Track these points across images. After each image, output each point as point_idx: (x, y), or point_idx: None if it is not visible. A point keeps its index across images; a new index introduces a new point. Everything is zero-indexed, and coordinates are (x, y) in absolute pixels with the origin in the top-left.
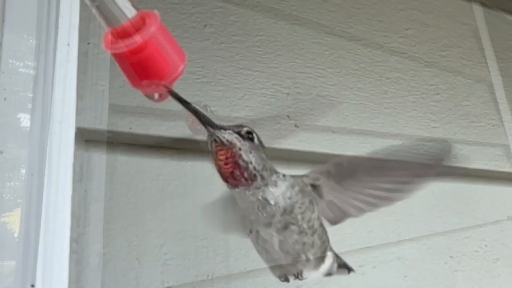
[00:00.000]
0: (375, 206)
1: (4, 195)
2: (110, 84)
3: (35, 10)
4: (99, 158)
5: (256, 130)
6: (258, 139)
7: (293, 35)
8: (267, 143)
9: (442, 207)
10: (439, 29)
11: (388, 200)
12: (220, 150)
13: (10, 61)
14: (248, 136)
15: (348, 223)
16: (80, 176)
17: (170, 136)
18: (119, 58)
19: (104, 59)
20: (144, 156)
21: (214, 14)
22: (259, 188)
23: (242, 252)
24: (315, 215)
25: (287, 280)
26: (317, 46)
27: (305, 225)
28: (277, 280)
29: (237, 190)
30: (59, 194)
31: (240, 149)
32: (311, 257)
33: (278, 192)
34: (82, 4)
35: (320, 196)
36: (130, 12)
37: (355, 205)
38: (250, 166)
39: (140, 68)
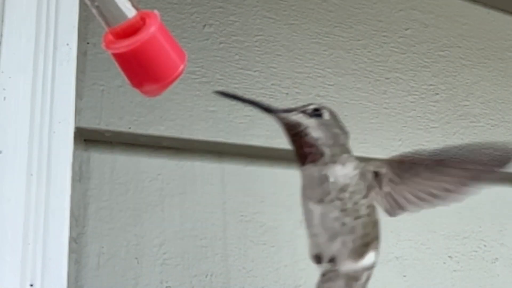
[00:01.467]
0: (430, 203)
1: (3, 195)
2: (110, 84)
3: (34, 10)
4: (98, 157)
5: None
6: (330, 114)
7: (292, 35)
8: (266, 143)
9: (441, 207)
10: (438, 29)
11: (443, 200)
12: (289, 130)
13: (10, 60)
14: (316, 113)
15: None
16: (79, 176)
17: (169, 136)
18: (119, 58)
19: (103, 59)
20: (143, 156)
21: (214, 14)
22: (326, 164)
23: (241, 251)
24: (365, 201)
25: (319, 262)
26: (316, 46)
27: (350, 205)
28: (276, 280)
29: (304, 167)
30: (58, 194)
31: (307, 127)
32: (349, 244)
33: (342, 172)
34: (82, 4)
35: (380, 186)
36: (130, 12)
37: (411, 200)
38: (318, 143)
39: (140, 68)
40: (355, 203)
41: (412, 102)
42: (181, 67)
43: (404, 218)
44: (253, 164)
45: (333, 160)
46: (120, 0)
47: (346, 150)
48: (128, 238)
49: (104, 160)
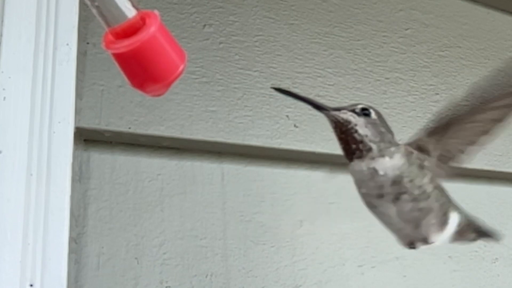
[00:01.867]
0: (480, 144)
1: (3, 195)
2: (109, 84)
3: (34, 10)
4: (98, 157)
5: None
6: (377, 114)
7: (292, 35)
8: (266, 143)
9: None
10: (438, 29)
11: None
12: (338, 128)
13: (10, 60)
14: (364, 112)
15: (347, 222)
16: (79, 176)
17: (169, 136)
18: (119, 58)
19: (103, 59)
20: (143, 156)
21: (214, 14)
22: (373, 158)
23: (241, 251)
24: (426, 180)
25: (414, 247)
26: (316, 46)
27: (416, 192)
28: (276, 280)
29: (353, 163)
30: (58, 194)
31: (355, 125)
32: (433, 221)
33: (390, 164)
34: (82, 4)
35: (428, 154)
36: (130, 12)
37: (461, 149)
38: (366, 139)
39: (140, 68)
40: (420, 187)
41: (412, 102)
42: (181, 67)
43: None
44: (253, 164)
45: (381, 154)
46: (120, 0)
47: (394, 144)
48: (128, 238)
49: (104, 160)
